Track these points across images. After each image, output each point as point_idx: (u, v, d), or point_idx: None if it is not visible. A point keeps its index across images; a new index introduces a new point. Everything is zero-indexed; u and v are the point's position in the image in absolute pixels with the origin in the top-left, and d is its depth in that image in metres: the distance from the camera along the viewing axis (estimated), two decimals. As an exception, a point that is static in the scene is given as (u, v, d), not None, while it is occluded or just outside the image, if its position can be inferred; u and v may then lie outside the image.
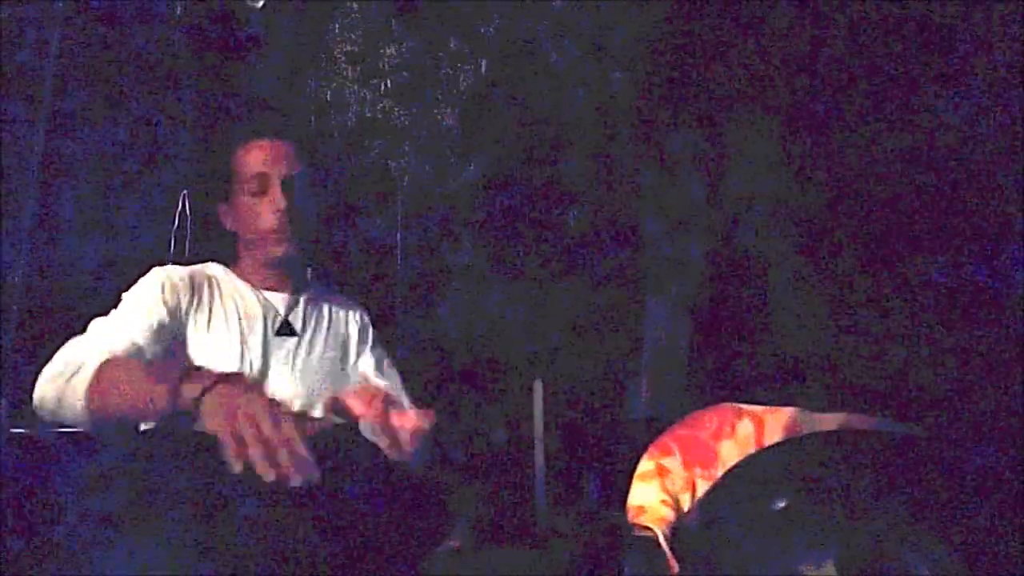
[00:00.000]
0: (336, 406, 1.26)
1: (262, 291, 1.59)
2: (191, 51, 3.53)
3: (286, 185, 1.51)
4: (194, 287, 1.52)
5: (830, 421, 1.33)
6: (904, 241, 3.08)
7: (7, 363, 2.75)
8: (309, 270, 1.74)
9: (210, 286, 1.55)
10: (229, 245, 1.66)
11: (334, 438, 1.08)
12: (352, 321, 1.69)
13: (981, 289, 2.90)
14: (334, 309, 1.68)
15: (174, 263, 1.61)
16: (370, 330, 1.72)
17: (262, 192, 1.52)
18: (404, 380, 1.73)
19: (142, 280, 1.53)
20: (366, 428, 1.32)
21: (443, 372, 3.94)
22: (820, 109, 3.31)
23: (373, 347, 1.70)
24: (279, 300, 1.59)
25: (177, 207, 3.02)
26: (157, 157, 3.28)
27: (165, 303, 1.47)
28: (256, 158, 1.52)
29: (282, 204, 1.50)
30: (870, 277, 3.09)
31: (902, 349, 2.91)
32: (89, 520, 0.87)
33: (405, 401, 1.65)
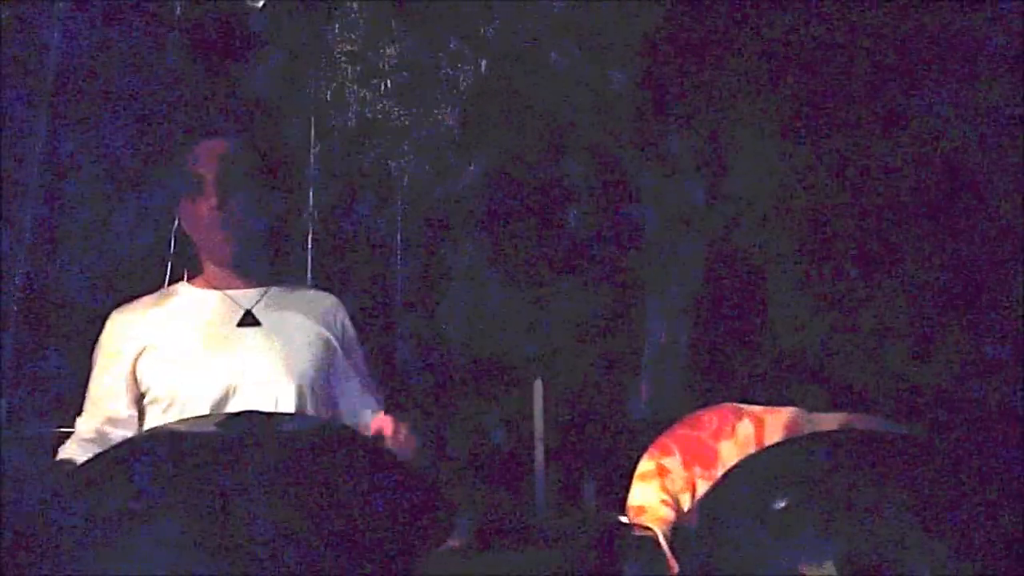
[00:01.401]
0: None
1: (226, 291, 1.58)
2: (191, 51, 3.53)
3: (218, 184, 1.50)
4: (142, 323, 1.53)
5: (830, 421, 1.33)
6: (904, 241, 3.08)
7: (7, 363, 2.75)
8: (279, 269, 1.73)
9: (169, 311, 1.55)
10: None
11: (333, 438, 1.08)
12: (333, 314, 1.66)
13: (981, 289, 2.90)
14: (311, 300, 1.65)
15: (173, 262, 1.63)
16: (352, 327, 1.69)
17: (198, 193, 1.51)
18: (402, 378, 1.73)
19: (95, 359, 1.56)
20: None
21: (443, 372, 3.93)
22: (820, 109, 3.31)
23: (356, 349, 1.68)
24: (243, 296, 1.59)
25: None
26: (157, 157, 3.28)
27: (119, 367, 1.51)
28: (191, 159, 1.52)
29: (213, 202, 1.49)
30: (870, 277, 3.09)
31: (902, 349, 2.91)
32: (89, 520, 0.87)
33: (370, 401, 1.64)
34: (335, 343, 1.62)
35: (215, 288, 1.56)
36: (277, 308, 1.57)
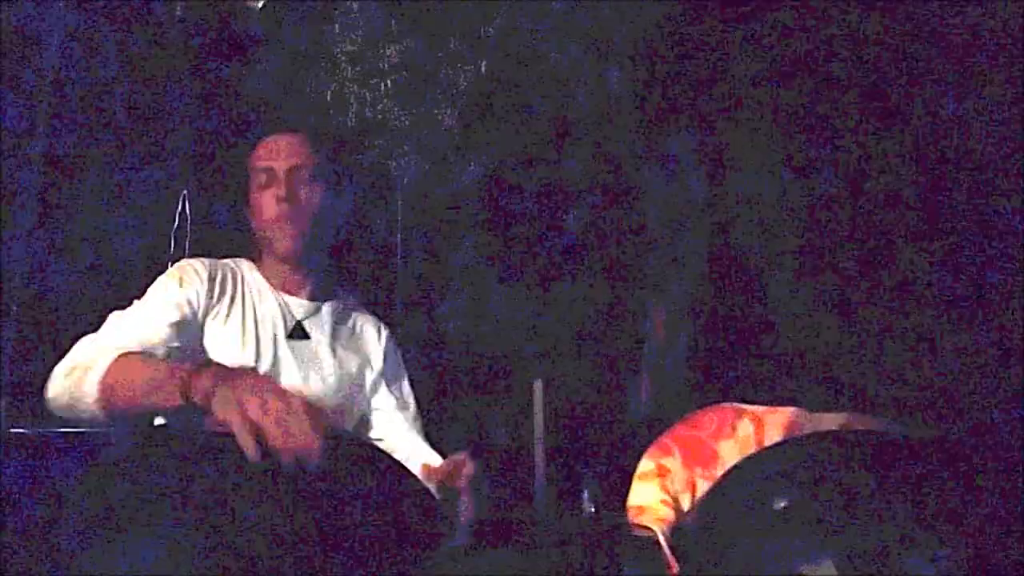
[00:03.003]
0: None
1: (281, 293, 1.56)
2: (191, 51, 3.53)
3: (290, 176, 1.50)
4: (215, 280, 1.51)
5: (830, 421, 1.33)
6: (904, 241, 3.08)
7: (7, 363, 2.75)
8: (334, 280, 1.71)
9: (233, 280, 1.54)
10: (236, 246, 1.64)
11: (332, 439, 1.08)
12: (376, 339, 1.64)
13: (981, 289, 2.90)
14: (358, 323, 1.64)
15: (173, 263, 1.61)
16: (395, 352, 1.67)
17: (268, 185, 1.50)
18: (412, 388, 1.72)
19: (163, 275, 1.52)
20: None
21: (443, 372, 3.93)
22: (820, 109, 3.31)
23: (397, 374, 1.66)
24: (297, 304, 1.57)
25: (177, 207, 3.02)
26: (157, 157, 3.28)
27: (184, 298, 1.47)
28: (263, 153, 1.52)
29: (282, 192, 1.48)
30: (870, 277, 3.09)
31: (902, 349, 2.91)
32: (89, 520, 0.87)
33: (415, 429, 1.63)
34: (371, 377, 1.61)
35: (272, 287, 1.55)
36: (325, 331, 1.56)
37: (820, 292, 3.17)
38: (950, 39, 3.07)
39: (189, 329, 1.44)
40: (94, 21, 3.24)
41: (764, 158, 3.45)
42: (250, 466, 0.90)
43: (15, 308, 2.79)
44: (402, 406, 1.62)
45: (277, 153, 1.50)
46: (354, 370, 1.56)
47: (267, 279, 1.56)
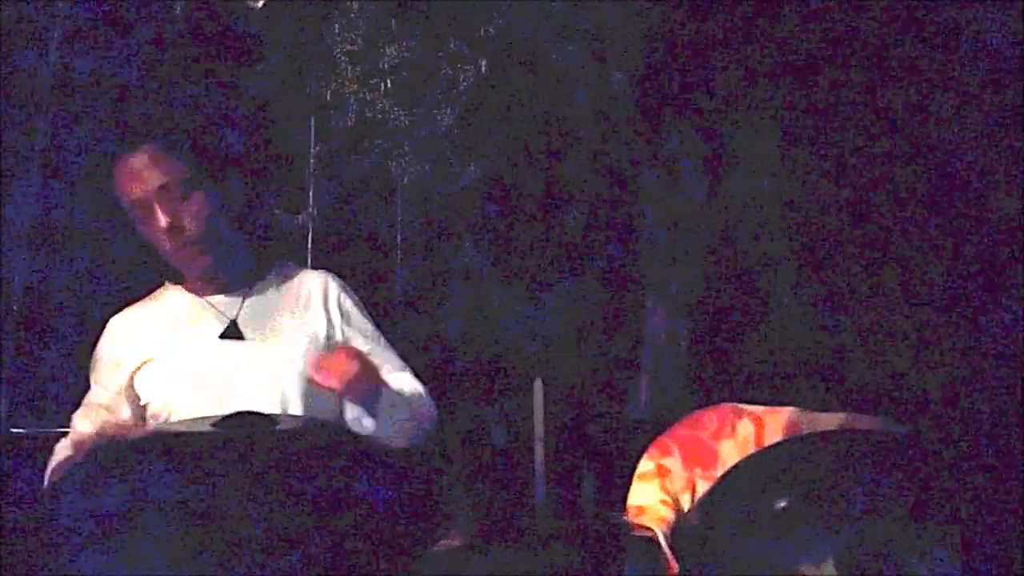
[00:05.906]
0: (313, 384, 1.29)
1: (208, 298, 1.51)
2: (191, 51, 3.53)
3: (162, 200, 1.39)
4: (136, 334, 1.50)
5: (830, 421, 1.33)
6: (904, 241, 3.08)
7: (7, 363, 2.75)
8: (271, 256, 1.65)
9: (160, 319, 1.50)
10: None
11: (329, 437, 1.08)
12: (320, 297, 1.59)
13: (981, 289, 2.90)
14: (293, 293, 1.58)
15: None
16: (335, 300, 1.60)
17: (147, 217, 1.41)
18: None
19: (94, 365, 1.55)
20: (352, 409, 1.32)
21: (443, 372, 3.93)
22: (820, 110, 3.31)
23: (353, 320, 1.61)
24: (226, 303, 1.52)
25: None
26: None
27: (104, 378, 1.48)
28: (126, 183, 1.40)
29: (163, 223, 1.38)
30: (870, 277, 3.09)
31: (902, 349, 2.91)
32: (89, 520, 0.87)
33: (397, 364, 1.59)
34: (323, 336, 1.56)
35: (198, 294, 1.51)
36: (261, 315, 1.51)
37: (819, 292, 3.17)
38: (951, 40, 3.07)
39: (124, 393, 1.47)
40: (95, 20, 3.24)
41: (764, 158, 3.45)
42: (247, 466, 0.90)
43: (15, 308, 2.79)
44: (372, 339, 1.57)
45: (141, 179, 1.38)
46: (302, 353, 1.51)
47: (194, 292, 1.51)
